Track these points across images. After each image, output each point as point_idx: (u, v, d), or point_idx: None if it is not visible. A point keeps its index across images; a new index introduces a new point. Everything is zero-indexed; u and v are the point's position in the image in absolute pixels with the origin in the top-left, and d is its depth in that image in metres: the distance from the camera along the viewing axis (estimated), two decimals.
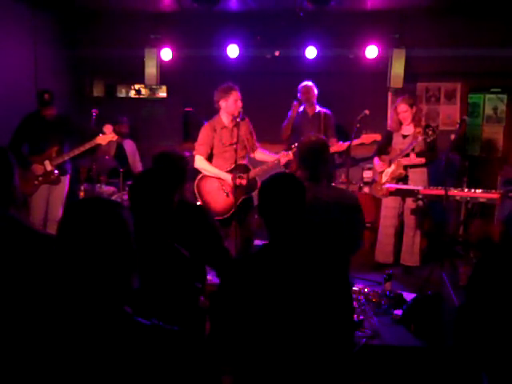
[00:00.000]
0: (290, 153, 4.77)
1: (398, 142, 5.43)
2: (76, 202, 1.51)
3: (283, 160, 4.83)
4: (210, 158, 4.91)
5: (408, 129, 5.39)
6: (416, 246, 5.44)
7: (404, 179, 5.35)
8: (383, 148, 5.55)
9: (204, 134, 4.88)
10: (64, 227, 1.42)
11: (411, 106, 5.33)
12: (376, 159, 5.54)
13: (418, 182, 5.27)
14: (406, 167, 5.33)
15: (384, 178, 5.44)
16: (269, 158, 4.97)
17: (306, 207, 2.84)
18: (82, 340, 1.35)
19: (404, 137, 5.39)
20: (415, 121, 5.36)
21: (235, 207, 4.74)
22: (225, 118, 4.84)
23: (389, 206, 5.45)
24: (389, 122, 5.47)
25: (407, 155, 5.28)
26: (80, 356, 1.33)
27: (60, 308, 1.39)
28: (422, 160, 5.27)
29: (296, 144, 4.66)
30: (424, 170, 5.36)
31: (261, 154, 4.99)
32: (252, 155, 4.99)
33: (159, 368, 1.36)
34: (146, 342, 1.37)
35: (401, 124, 5.41)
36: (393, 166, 5.36)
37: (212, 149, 4.87)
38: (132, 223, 1.49)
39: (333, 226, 3.03)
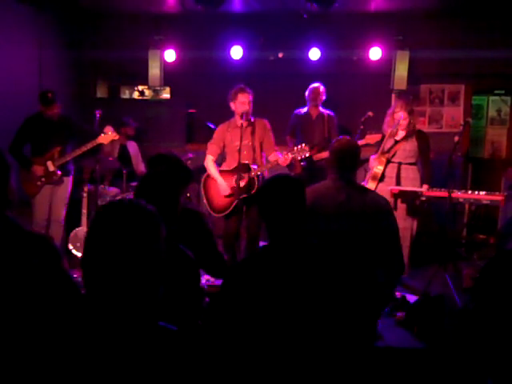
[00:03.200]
0: (290, 154, 4.76)
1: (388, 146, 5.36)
2: (111, 204, 1.43)
3: (282, 162, 4.82)
4: (224, 157, 5.10)
5: (401, 134, 5.31)
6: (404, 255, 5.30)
7: (381, 179, 5.23)
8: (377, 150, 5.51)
9: (216, 133, 5.08)
10: (96, 228, 1.37)
11: (410, 113, 5.20)
12: (372, 155, 5.47)
13: (409, 180, 5.18)
14: (398, 170, 5.25)
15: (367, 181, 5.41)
16: (272, 159, 4.99)
17: (343, 208, 2.83)
18: (111, 347, 1.31)
19: (395, 142, 5.30)
20: (409, 127, 5.25)
21: (233, 207, 4.90)
22: (238, 119, 4.92)
23: None
24: (384, 126, 5.38)
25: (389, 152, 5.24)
26: (107, 362, 1.30)
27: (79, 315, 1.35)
28: (425, 187, 5.15)
29: (299, 147, 4.72)
30: (416, 176, 5.24)
31: (273, 157, 5.01)
32: (268, 157, 5.02)
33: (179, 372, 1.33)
34: (171, 347, 1.34)
35: (396, 130, 5.34)
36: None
37: (225, 148, 5.03)
38: (163, 231, 1.43)
39: (367, 228, 3.03)
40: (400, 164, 5.22)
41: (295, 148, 4.76)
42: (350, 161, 3.20)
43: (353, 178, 3.25)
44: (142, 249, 1.35)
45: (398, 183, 5.21)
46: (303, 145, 4.73)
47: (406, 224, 5.20)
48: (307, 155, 4.77)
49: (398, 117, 5.17)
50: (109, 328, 1.32)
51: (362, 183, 5.56)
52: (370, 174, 5.33)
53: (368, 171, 5.53)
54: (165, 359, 1.31)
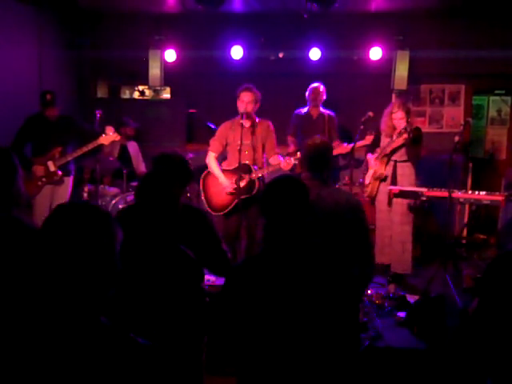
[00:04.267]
0: (292, 159, 4.77)
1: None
2: (64, 205, 1.47)
3: (285, 166, 4.82)
4: (224, 156, 5.08)
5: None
6: (407, 253, 5.21)
7: (385, 179, 5.24)
8: (371, 149, 5.51)
9: (219, 130, 5.05)
10: (47, 229, 1.39)
11: (407, 113, 5.18)
12: (369, 154, 5.45)
13: (405, 185, 5.19)
14: (394, 169, 5.26)
15: (367, 180, 5.41)
16: (274, 162, 4.97)
17: (314, 206, 2.87)
18: (54, 348, 1.32)
19: (394, 143, 5.30)
20: (407, 126, 5.21)
21: (232, 207, 4.90)
22: (241, 117, 4.89)
23: (381, 209, 5.32)
24: (382, 126, 5.37)
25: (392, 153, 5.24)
26: (51, 364, 1.31)
27: (35, 312, 1.37)
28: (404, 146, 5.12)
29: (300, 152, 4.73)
30: (412, 172, 5.23)
31: (274, 159, 5.00)
32: (269, 159, 5.01)
33: (127, 381, 1.34)
34: (119, 354, 1.34)
35: (394, 129, 5.32)
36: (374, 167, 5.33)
37: (227, 146, 5.01)
38: (120, 237, 1.45)
39: (336, 226, 3.04)
40: (396, 162, 5.24)
41: (298, 153, 4.76)
42: (322, 160, 3.25)
43: (325, 176, 3.28)
44: (90, 250, 1.37)
45: (394, 181, 5.23)
46: None
47: (404, 219, 5.21)
48: None
49: (397, 117, 5.17)
50: (48, 326, 1.35)
51: (360, 181, 5.59)
52: (371, 174, 5.33)
53: (366, 170, 5.53)
54: (107, 363, 1.33)
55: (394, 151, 5.21)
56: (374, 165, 5.30)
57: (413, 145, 5.10)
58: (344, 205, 3.13)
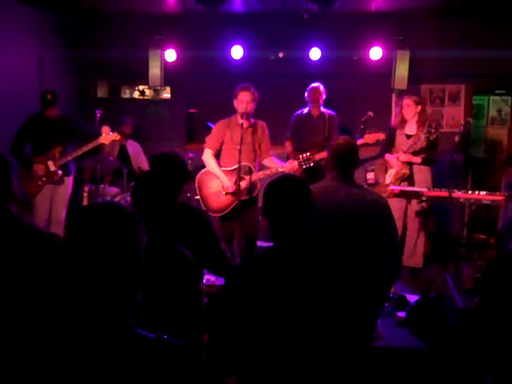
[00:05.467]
0: (296, 162, 4.75)
1: (401, 143, 5.41)
2: (88, 206, 1.44)
3: (288, 169, 4.78)
4: (219, 154, 4.99)
5: (412, 128, 5.39)
6: (419, 247, 5.45)
7: (407, 179, 5.34)
8: (386, 148, 5.54)
9: (216, 128, 4.97)
10: (73, 231, 1.37)
11: (416, 103, 5.36)
12: (387, 154, 5.50)
13: (422, 181, 5.29)
14: (411, 166, 5.33)
15: (388, 179, 5.43)
16: (275, 164, 4.95)
17: (342, 207, 2.87)
18: (83, 349, 1.30)
19: (408, 137, 5.38)
20: (419, 121, 5.35)
21: (231, 208, 4.83)
22: (239, 118, 4.84)
23: (393, 207, 5.39)
24: (392, 118, 5.48)
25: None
26: (80, 365, 1.29)
27: (60, 313, 1.35)
28: (419, 159, 5.29)
29: (304, 155, 4.72)
30: (428, 169, 5.37)
31: (269, 161, 4.96)
32: (263, 161, 4.98)
33: (159, 381, 1.32)
34: (148, 355, 1.33)
35: (404, 121, 5.40)
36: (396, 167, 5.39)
37: (222, 145, 4.92)
38: (144, 236, 1.43)
39: (367, 225, 3.04)
40: (411, 164, 5.34)
41: (300, 156, 4.75)
42: (349, 160, 3.23)
43: (352, 177, 3.27)
44: (119, 252, 1.35)
45: (412, 179, 5.35)
46: (308, 154, 4.73)
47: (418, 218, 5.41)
48: (311, 165, 4.77)
49: (405, 104, 5.35)
50: (78, 329, 1.33)
51: (378, 181, 5.66)
52: (392, 174, 5.39)
53: (368, 172, 5.56)
54: (136, 364, 1.32)
55: (418, 151, 5.28)
56: (396, 164, 5.35)
57: (432, 148, 5.23)
58: (373, 204, 3.12)
